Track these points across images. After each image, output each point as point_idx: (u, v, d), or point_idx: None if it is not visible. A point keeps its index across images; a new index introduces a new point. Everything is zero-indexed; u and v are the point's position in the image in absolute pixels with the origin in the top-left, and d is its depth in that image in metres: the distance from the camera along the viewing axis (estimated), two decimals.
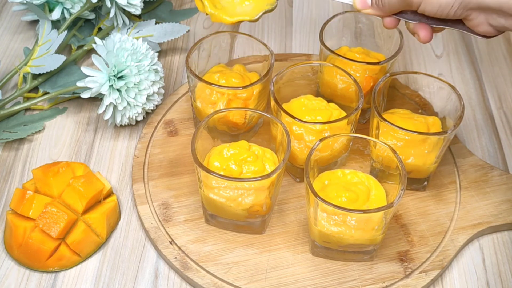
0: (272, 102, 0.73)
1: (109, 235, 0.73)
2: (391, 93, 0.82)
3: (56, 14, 0.90)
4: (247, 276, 0.69)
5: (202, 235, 0.72)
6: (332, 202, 0.64)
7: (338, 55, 0.78)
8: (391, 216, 0.66)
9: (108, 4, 0.87)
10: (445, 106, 0.76)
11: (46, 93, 0.86)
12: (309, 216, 0.68)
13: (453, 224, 0.74)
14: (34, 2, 0.89)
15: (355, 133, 0.73)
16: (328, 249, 0.69)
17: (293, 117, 0.71)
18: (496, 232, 0.75)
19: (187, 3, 1.03)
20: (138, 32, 0.90)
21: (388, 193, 0.70)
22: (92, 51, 0.91)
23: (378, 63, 0.78)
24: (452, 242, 0.72)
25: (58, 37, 0.86)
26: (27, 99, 0.86)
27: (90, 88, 0.78)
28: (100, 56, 0.78)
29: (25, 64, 0.85)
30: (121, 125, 0.85)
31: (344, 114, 0.76)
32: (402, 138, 0.71)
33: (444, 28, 0.70)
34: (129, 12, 0.91)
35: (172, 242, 0.71)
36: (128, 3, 0.87)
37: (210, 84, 0.75)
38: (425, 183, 0.76)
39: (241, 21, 0.73)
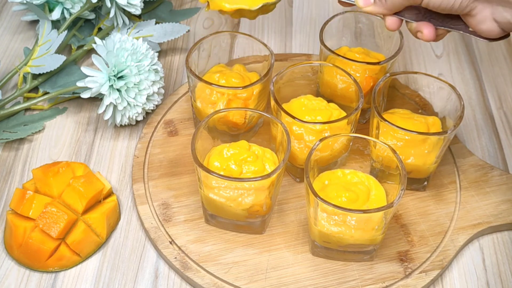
0: (272, 102, 0.73)
1: (109, 235, 0.73)
2: (391, 93, 0.82)
3: (56, 14, 0.90)
4: (247, 276, 0.69)
5: (202, 235, 0.72)
6: (332, 202, 0.64)
7: (338, 55, 0.78)
8: (391, 216, 0.66)
9: (108, 4, 0.87)
10: (445, 106, 0.76)
11: (46, 93, 0.86)
12: (309, 216, 0.68)
13: (453, 224, 0.74)
14: (34, 2, 0.89)
15: (355, 133, 0.73)
16: (328, 249, 0.69)
17: (293, 117, 0.71)
18: (496, 232, 0.75)
19: (187, 3, 1.03)
20: (138, 32, 0.90)
21: (388, 193, 0.70)
22: (92, 51, 0.91)
23: (378, 63, 0.78)
24: (452, 242, 0.72)
25: (58, 37, 0.86)
26: (27, 99, 0.86)
27: (90, 88, 0.78)
28: (100, 56, 0.78)
29: (25, 64, 0.85)
30: (121, 125, 0.85)
31: (344, 114, 0.76)
32: (402, 138, 0.71)
33: (446, 33, 0.70)
34: (129, 12, 0.91)
35: (172, 242, 0.71)
36: (128, 3, 0.87)
37: (210, 84, 0.75)
38: (425, 183, 0.76)
39: (240, 10, 0.72)
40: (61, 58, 0.84)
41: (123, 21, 0.90)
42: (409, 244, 0.72)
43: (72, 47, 0.92)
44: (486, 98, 0.91)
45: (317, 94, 0.81)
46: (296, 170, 0.77)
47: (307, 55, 0.93)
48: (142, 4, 0.88)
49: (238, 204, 0.68)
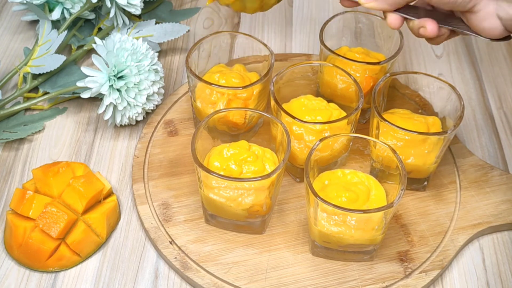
0: (272, 102, 0.73)
1: (109, 235, 0.73)
2: (391, 93, 0.82)
3: (56, 14, 0.90)
4: (247, 276, 0.69)
5: (202, 235, 0.72)
6: (332, 202, 0.64)
7: (338, 55, 0.78)
8: (391, 216, 0.66)
9: (108, 4, 0.87)
10: (445, 106, 0.76)
11: (46, 93, 0.86)
12: (309, 216, 0.68)
13: (453, 224, 0.74)
14: (34, 2, 0.89)
15: (355, 133, 0.73)
16: (328, 249, 0.69)
17: (293, 117, 0.71)
18: (496, 232, 0.75)
19: (187, 3, 1.03)
20: (138, 32, 0.90)
21: (388, 193, 0.70)
22: (92, 51, 0.91)
23: (378, 63, 0.78)
24: (452, 242, 0.72)
25: (58, 37, 0.86)
26: (27, 99, 0.86)
27: (90, 88, 0.78)
28: (100, 56, 0.78)
29: (25, 64, 0.85)
30: (121, 125, 0.85)
31: (344, 114, 0.75)
32: (402, 138, 0.71)
33: (447, 34, 0.69)
34: (129, 12, 0.91)
35: (172, 242, 0.71)
36: (128, 3, 0.87)
37: (210, 84, 0.75)
38: (425, 183, 0.76)
39: (241, 0, 0.72)
40: (61, 58, 0.84)
41: (123, 21, 0.90)
42: (409, 244, 0.72)
43: (72, 47, 0.92)
44: (486, 98, 0.91)
45: (317, 94, 0.81)
46: (296, 170, 0.77)
47: (307, 55, 0.93)
48: (142, 4, 0.88)
49: (238, 204, 0.68)
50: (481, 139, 0.85)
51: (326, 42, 0.79)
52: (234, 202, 0.68)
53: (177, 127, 0.83)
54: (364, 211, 0.64)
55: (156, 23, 0.92)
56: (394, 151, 0.68)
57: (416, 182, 0.76)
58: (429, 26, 0.67)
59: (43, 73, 0.86)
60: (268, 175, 0.66)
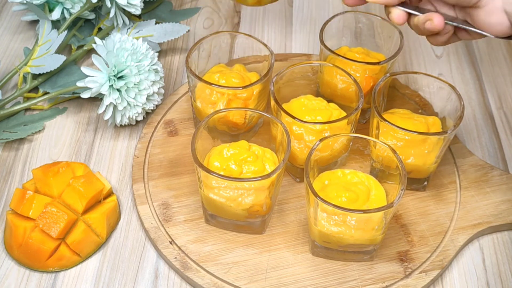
0: (272, 102, 0.73)
1: (109, 235, 0.73)
2: (391, 93, 0.82)
3: (56, 14, 0.90)
4: (247, 276, 0.69)
5: (202, 235, 0.72)
6: (332, 202, 0.64)
7: (338, 55, 0.78)
8: (391, 216, 0.66)
9: (108, 4, 0.87)
10: (445, 106, 0.76)
11: (46, 93, 0.86)
12: (309, 216, 0.68)
13: (453, 224, 0.74)
14: (34, 2, 0.89)
15: (355, 133, 0.73)
16: (328, 249, 0.69)
17: (293, 117, 0.71)
18: (496, 232, 0.75)
19: (187, 3, 1.03)
20: (138, 32, 0.90)
21: (388, 193, 0.70)
22: (92, 51, 0.91)
23: (378, 63, 0.78)
24: (452, 242, 0.72)
25: (58, 37, 0.86)
26: (27, 99, 0.86)
27: (90, 88, 0.78)
28: (100, 56, 0.78)
29: (25, 64, 0.85)
30: (121, 125, 0.85)
31: (344, 114, 0.76)
32: (402, 138, 0.71)
33: (451, 32, 0.69)
34: (129, 12, 0.91)
35: (172, 242, 0.71)
36: (128, 3, 0.87)
37: (210, 84, 0.75)
38: (425, 183, 0.76)
39: None
40: (61, 58, 0.84)
41: (123, 21, 0.90)
42: (409, 244, 0.72)
43: (72, 47, 0.92)
44: (486, 98, 0.91)
45: (317, 94, 0.81)
46: (296, 170, 0.77)
47: (307, 55, 0.93)
48: (142, 4, 0.88)
49: (238, 204, 0.68)
50: (481, 139, 0.85)
51: (326, 42, 0.79)
52: (234, 202, 0.68)
53: (177, 127, 0.83)
54: (364, 211, 0.64)
55: (156, 23, 0.92)
56: (394, 151, 0.68)
57: (416, 182, 0.76)
58: (436, 18, 0.67)
59: (43, 73, 0.86)
60: (268, 175, 0.66)
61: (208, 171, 0.66)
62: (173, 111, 0.85)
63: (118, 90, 0.78)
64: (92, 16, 0.93)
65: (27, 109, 0.86)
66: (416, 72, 0.78)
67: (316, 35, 0.99)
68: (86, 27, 0.94)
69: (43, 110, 0.86)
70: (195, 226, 0.73)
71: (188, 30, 0.92)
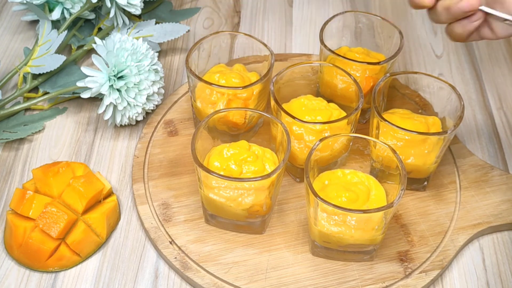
0: (272, 102, 0.73)
1: (109, 235, 0.73)
2: (391, 93, 0.82)
3: (56, 14, 0.90)
4: (247, 276, 0.69)
5: (202, 235, 0.72)
6: (332, 202, 0.64)
7: (338, 55, 0.78)
8: (391, 216, 0.66)
9: (108, 4, 0.87)
10: (445, 106, 0.76)
11: (46, 93, 0.86)
12: (309, 216, 0.68)
13: (453, 224, 0.74)
14: (34, 2, 0.89)
15: (355, 133, 0.73)
16: (328, 249, 0.69)
17: (293, 117, 0.71)
18: (496, 232, 0.75)
19: (187, 3, 1.03)
20: (138, 32, 0.90)
21: (388, 193, 0.70)
22: (92, 51, 0.91)
23: (378, 63, 0.78)
24: (452, 242, 0.72)
25: (58, 37, 0.86)
26: (27, 99, 0.86)
27: (90, 88, 0.78)
28: (100, 56, 0.78)
29: (25, 64, 0.85)
30: (121, 125, 0.85)
31: (344, 114, 0.76)
32: (402, 138, 0.71)
33: (471, 32, 0.68)
34: (129, 12, 0.91)
35: (172, 242, 0.71)
36: (128, 3, 0.87)
37: (210, 84, 0.75)
38: (425, 183, 0.76)
39: None
40: (61, 58, 0.84)
41: (123, 21, 0.90)
42: (409, 244, 0.72)
43: (72, 47, 0.92)
44: (486, 98, 0.91)
45: (317, 94, 0.81)
46: (296, 170, 0.77)
47: (307, 55, 0.93)
48: (142, 4, 0.88)
49: (238, 204, 0.68)
50: (481, 139, 0.85)
51: (326, 42, 0.79)
52: (234, 202, 0.68)
53: (177, 127, 0.83)
54: (364, 211, 0.64)
55: (156, 23, 0.92)
56: (394, 151, 0.68)
57: (416, 182, 0.76)
58: None
59: (43, 73, 0.86)
60: (268, 175, 0.66)
61: (208, 171, 0.66)
62: (173, 111, 0.85)
63: (118, 90, 0.78)
64: (92, 16, 0.93)
65: (27, 109, 0.86)
66: (416, 72, 0.78)
67: (316, 35, 0.99)
68: (86, 27, 0.94)
69: (43, 110, 0.86)
70: (195, 226, 0.73)
71: (188, 30, 0.92)
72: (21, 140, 0.83)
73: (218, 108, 0.76)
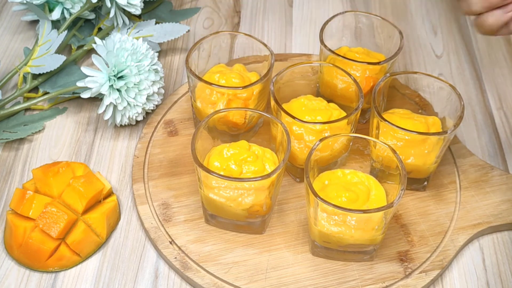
0: (272, 102, 0.73)
1: (109, 235, 0.73)
2: (391, 93, 0.82)
3: (56, 14, 0.90)
4: (247, 276, 0.69)
5: (202, 235, 0.72)
6: (332, 202, 0.64)
7: (338, 55, 0.78)
8: (391, 216, 0.66)
9: (108, 4, 0.87)
10: (445, 106, 0.76)
11: (46, 93, 0.86)
12: (309, 216, 0.68)
13: (453, 224, 0.74)
14: (34, 2, 0.89)
15: (355, 133, 0.73)
16: (328, 249, 0.69)
17: (293, 117, 0.71)
18: (496, 232, 0.75)
19: (187, 3, 1.03)
20: (138, 32, 0.90)
21: (388, 193, 0.70)
22: (92, 51, 0.91)
23: (378, 63, 0.78)
24: (452, 242, 0.72)
25: (58, 37, 0.86)
26: (27, 99, 0.86)
27: (90, 88, 0.78)
28: (100, 56, 0.78)
29: (25, 64, 0.85)
30: (121, 125, 0.85)
31: (344, 114, 0.76)
32: (402, 138, 0.71)
33: (505, 28, 0.67)
34: (129, 12, 0.91)
35: (172, 242, 0.71)
36: (128, 3, 0.87)
37: (210, 84, 0.75)
38: (425, 183, 0.76)
39: None
40: (61, 58, 0.84)
41: (123, 21, 0.90)
42: (409, 244, 0.72)
43: (72, 47, 0.92)
44: (486, 98, 0.91)
45: (317, 94, 0.81)
46: (296, 170, 0.77)
47: (307, 55, 0.93)
48: (142, 4, 0.88)
49: (238, 204, 0.68)
50: (481, 139, 0.85)
51: (326, 42, 0.79)
52: (234, 202, 0.68)
53: (177, 127, 0.83)
54: (364, 211, 0.64)
55: (156, 23, 0.92)
56: (394, 151, 0.68)
57: (416, 182, 0.76)
58: None
59: (43, 73, 0.86)
60: (268, 175, 0.66)
61: (208, 171, 0.66)
62: (173, 111, 0.85)
63: (118, 90, 0.78)
64: (92, 16, 0.93)
65: (27, 109, 0.86)
66: (416, 72, 0.78)
67: (316, 35, 0.99)
68: (86, 27, 0.94)
69: (43, 110, 0.86)
70: (195, 226, 0.73)
71: (188, 30, 0.92)
72: (21, 140, 0.83)
73: (218, 108, 0.76)
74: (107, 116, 0.80)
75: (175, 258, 0.70)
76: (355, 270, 0.70)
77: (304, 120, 0.72)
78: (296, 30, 1.00)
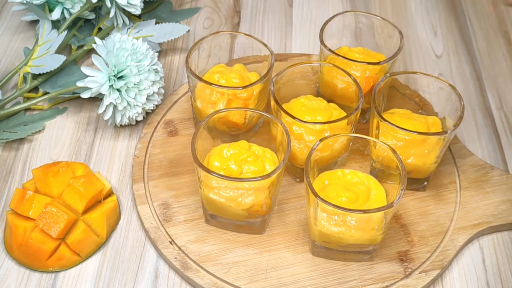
0: (272, 102, 0.73)
1: (109, 235, 0.73)
2: (391, 93, 0.82)
3: (56, 14, 0.90)
4: (247, 276, 0.69)
5: (202, 235, 0.72)
6: (332, 202, 0.64)
7: (338, 55, 0.78)
8: (391, 216, 0.66)
9: (108, 4, 0.87)
10: (445, 106, 0.76)
11: (46, 93, 0.86)
12: (309, 216, 0.68)
13: (453, 224, 0.74)
14: (34, 2, 0.89)
15: (355, 133, 0.73)
16: (328, 249, 0.69)
17: (293, 117, 0.71)
18: (496, 232, 0.75)
19: (187, 3, 1.03)
20: (138, 32, 0.90)
21: (388, 193, 0.70)
22: (92, 51, 0.91)
23: (378, 63, 0.78)
24: (452, 242, 0.72)
25: (58, 37, 0.86)
26: (27, 99, 0.86)
27: (90, 88, 0.78)
28: (100, 56, 0.78)
29: (25, 64, 0.85)
30: (121, 125, 0.85)
31: (344, 114, 0.76)
32: (402, 138, 0.71)
33: None
34: (129, 12, 0.91)
35: (172, 242, 0.71)
36: (128, 3, 0.87)
37: (210, 84, 0.75)
38: (425, 183, 0.76)
39: None
40: (61, 58, 0.84)
41: (123, 21, 0.90)
42: (409, 244, 0.72)
43: (72, 47, 0.92)
44: (486, 98, 0.91)
45: (317, 94, 0.81)
46: (296, 170, 0.77)
47: (307, 55, 0.93)
48: (142, 4, 0.88)
49: (238, 204, 0.68)
50: (481, 139, 0.85)
51: (326, 42, 0.79)
52: (234, 202, 0.68)
53: (177, 127, 0.83)
54: (364, 211, 0.64)
55: (156, 23, 0.92)
56: (394, 151, 0.68)
57: (416, 182, 0.76)
58: None
59: (43, 73, 0.86)
60: (268, 175, 0.66)
61: (208, 171, 0.66)
62: (173, 111, 0.85)
63: (118, 90, 0.78)
64: (92, 16, 0.93)
65: (27, 109, 0.86)
66: (416, 72, 0.78)
67: (316, 35, 0.99)
68: (86, 27, 0.94)
69: (43, 110, 0.86)
70: (195, 226, 0.73)
71: (188, 30, 0.92)
72: (21, 140, 0.83)
73: (218, 108, 0.76)
74: (107, 116, 0.80)
75: (175, 258, 0.70)
76: (355, 270, 0.70)
77: (304, 120, 0.72)
78: (296, 30, 1.00)
